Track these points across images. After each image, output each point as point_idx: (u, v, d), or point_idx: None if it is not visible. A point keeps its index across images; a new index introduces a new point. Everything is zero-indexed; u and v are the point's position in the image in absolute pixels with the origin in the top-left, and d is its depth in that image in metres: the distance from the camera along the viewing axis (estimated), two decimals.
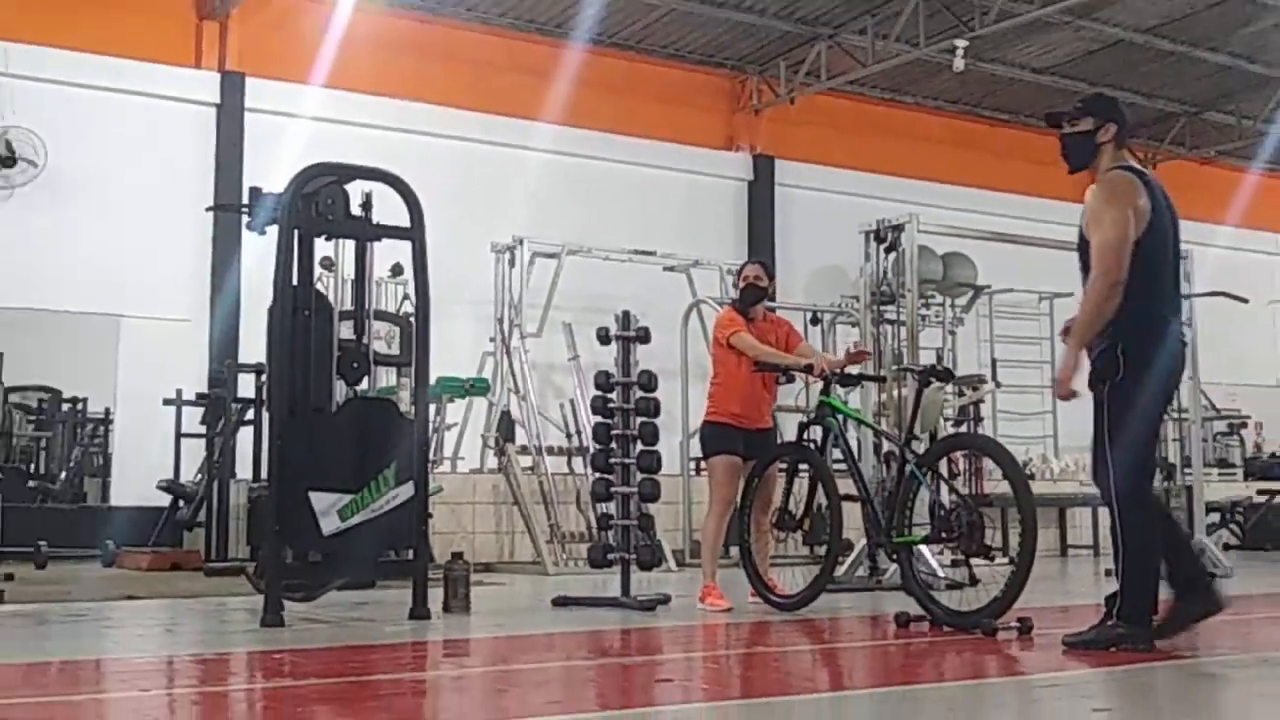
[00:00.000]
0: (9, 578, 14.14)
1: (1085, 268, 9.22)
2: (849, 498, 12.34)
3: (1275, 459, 29.78)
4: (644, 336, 13.30)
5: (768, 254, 26.18)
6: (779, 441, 13.43)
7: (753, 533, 12.49)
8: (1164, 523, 9.45)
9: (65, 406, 23.80)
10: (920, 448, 12.27)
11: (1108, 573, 17.66)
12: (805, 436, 12.69)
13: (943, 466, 12.63)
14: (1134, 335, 8.99)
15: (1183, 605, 9.18)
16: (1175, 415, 18.66)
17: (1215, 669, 8.81)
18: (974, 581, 10.96)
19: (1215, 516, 21.73)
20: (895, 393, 15.41)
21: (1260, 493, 24.63)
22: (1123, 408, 9.04)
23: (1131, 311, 8.95)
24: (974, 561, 10.74)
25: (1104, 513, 21.86)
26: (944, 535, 10.91)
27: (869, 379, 13.46)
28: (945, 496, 11.43)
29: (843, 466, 12.79)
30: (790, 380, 13.07)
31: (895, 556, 11.83)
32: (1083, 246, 9.29)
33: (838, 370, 12.62)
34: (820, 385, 12.75)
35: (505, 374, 21.05)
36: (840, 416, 12.63)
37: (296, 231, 11.44)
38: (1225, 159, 33.60)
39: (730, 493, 12.66)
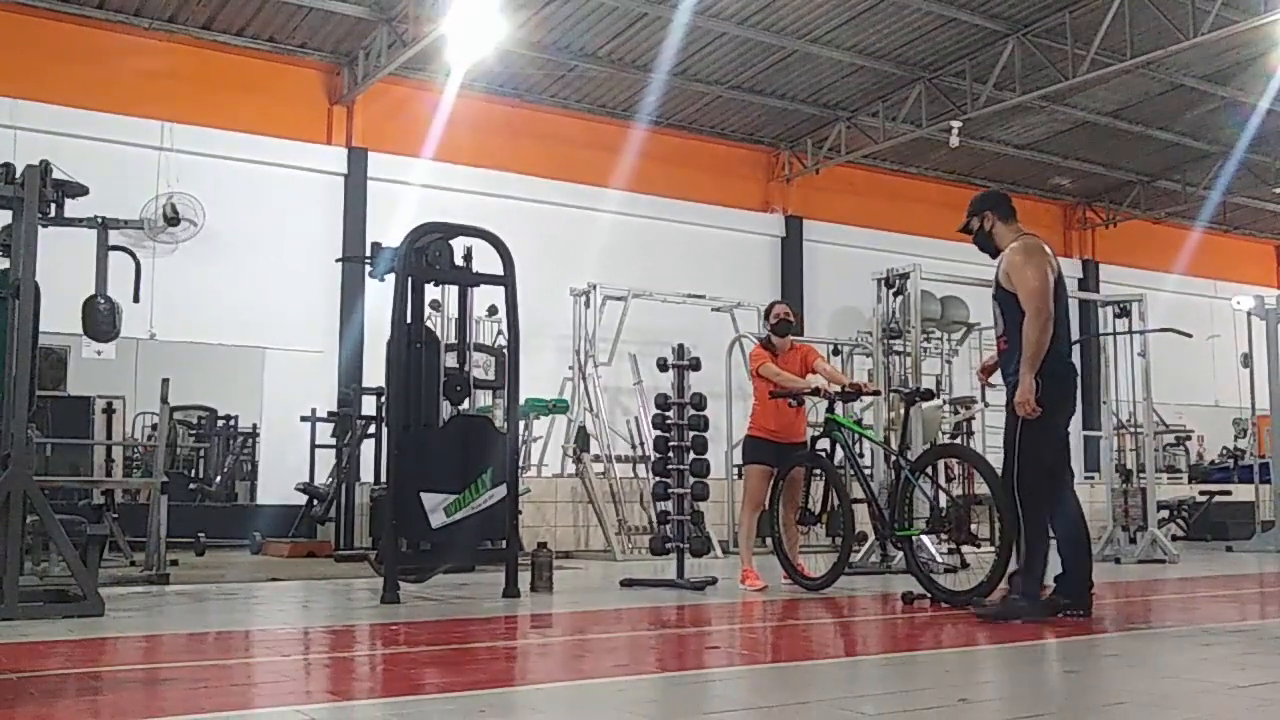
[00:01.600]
0: (174, 563, 14.17)
1: (1003, 311, 9.61)
2: (857, 500, 12.38)
3: (1214, 465, 29.65)
4: (695, 365, 13.36)
5: (796, 297, 26.29)
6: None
7: (782, 526, 12.47)
8: (1076, 525, 9.52)
9: (220, 422, 23.87)
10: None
11: None
12: (817, 447, 12.69)
13: (941, 470, 12.62)
14: (1045, 365, 9.25)
15: (1059, 597, 9.38)
16: (1133, 429, 18.61)
17: (1165, 637, 8.78)
18: (965, 566, 10.92)
19: (1165, 513, 21.62)
20: (900, 410, 15.39)
21: (1202, 493, 24.50)
22: (1033, 424, 9.25)
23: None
24: (965, 549, 10.70)
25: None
26: (938, 528, 10.90)
27: (866, 393, 13.42)
28: (941, 497, 11.43)
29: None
30: (802, 403, 12.96)
31: (899, 546, 11.84)
32: (999, 295, 9.64)
33: (839, 389, 12.63)
34: (827, 404, 12.76)
35: (581, 396, 21.06)
36: (845, 430, 12.63)
37: (410, 279, 11.50)
38: (1173, 219, 33.54)
39: (760, 495, 12.63)
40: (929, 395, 13.79)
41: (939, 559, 13.75)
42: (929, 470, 11.79)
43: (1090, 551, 9.69)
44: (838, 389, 12.59)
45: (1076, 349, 29.02)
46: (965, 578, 10.38)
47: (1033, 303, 9.29)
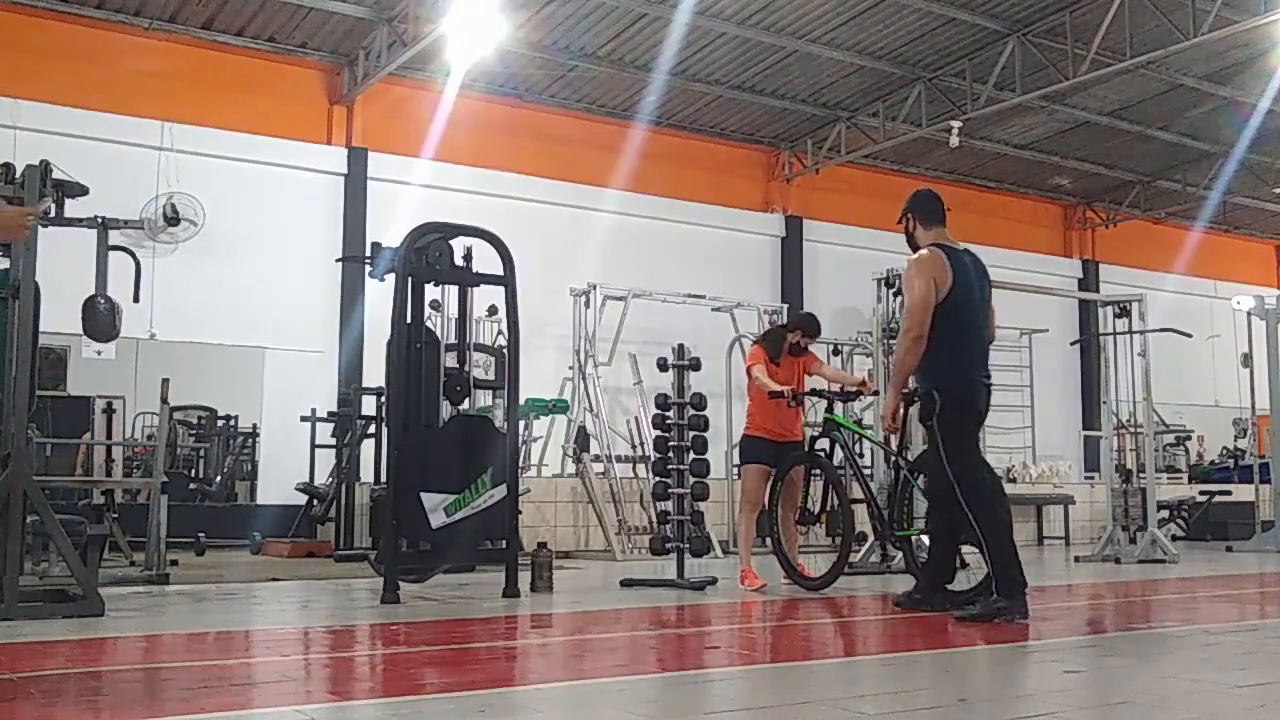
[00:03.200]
0: (174, 563, 14.18)
1: None
2: (856, 500, 12.40)
3: (1214, 465, 29.65)
4: (695, 365, 13.34)
5: (796, 297, 26.31)
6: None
7: (781, 526, 12.47)
8: (947, 523, 9.71)
9: (220, 422, 23.86)
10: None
11: (1077, 559, 17.66)
12: (816, 447, 12.71)
13: None
14: (943, 380, 9.49)
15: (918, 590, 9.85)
16: (1133, 429, 18.61)
17: (1165, 637, 8.78)
18: (964, 566, 10.92)
19: (1165, 513, 21.61)
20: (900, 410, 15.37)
21: (1202, 493, 24.50)
22: (948, 433, 9.45)
23: (939, 362, 9.51)
24: (965, 550, 10.67)
25: (1074, 510, 21.79)
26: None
27: (865, 393, 13.46)
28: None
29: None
30: (801, 402, 12.96)
31: (899, 546, 11.84)
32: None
33: (836, 390, 12.71)
34: (826, 403, 12.81)
35: (581, 396, 21.07)
36: (844, 430, 12.66)
37: (410, 279, 11.50)
38: (1173, 219, 33.54)
39: (758, 495, 12.64)
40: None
41: None
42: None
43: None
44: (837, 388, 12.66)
45: (1077, 349, 29.14)
46: (965, 578, 10.36)
47: (906, 319, 9.59)
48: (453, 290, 13.24)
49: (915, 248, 9.89)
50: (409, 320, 11.50)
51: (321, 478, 20.50)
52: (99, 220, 11.98)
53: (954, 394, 9.48)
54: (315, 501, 19.75)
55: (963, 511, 9.33)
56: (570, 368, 21.60)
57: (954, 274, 9.50)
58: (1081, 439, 29.86)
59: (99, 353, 17.85)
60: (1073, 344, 28.58)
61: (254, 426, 23.15)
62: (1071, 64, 22.19)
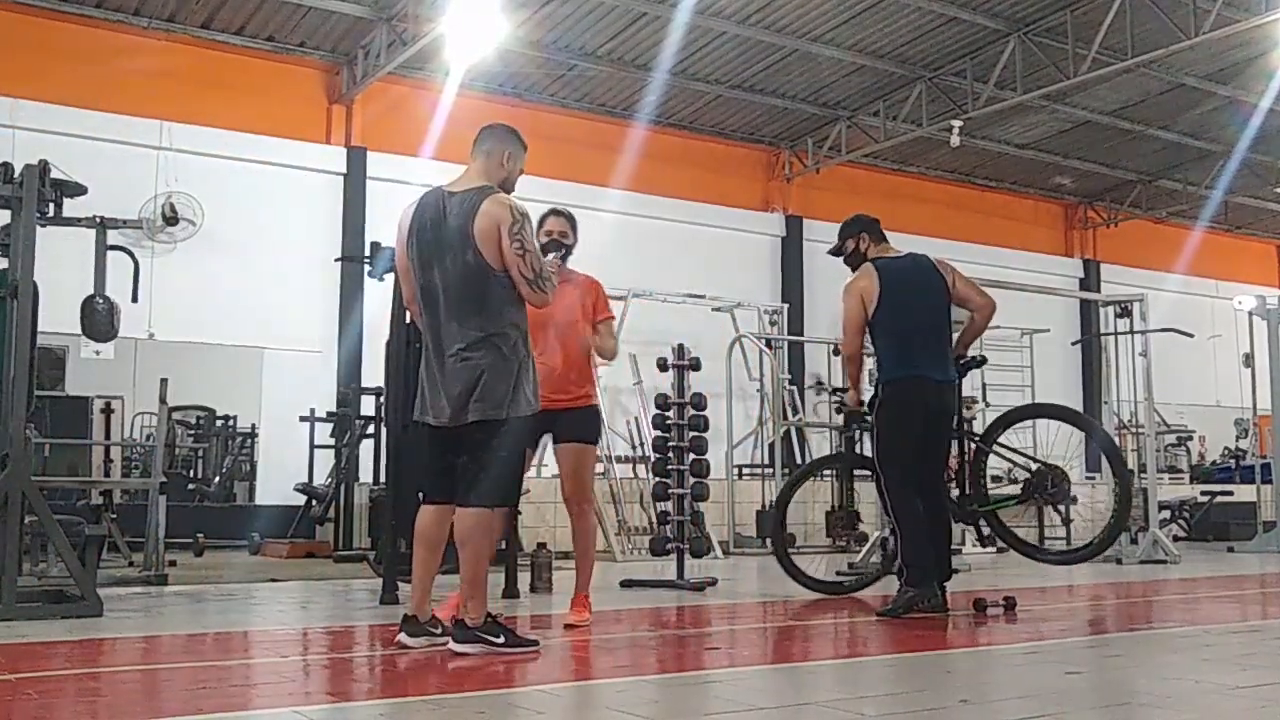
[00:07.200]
0: (172, 564, 14.19)
1: None
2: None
3: (1215, 466, 29.66)
4: (695, 365, 13.37)
5: (796, 296, 26.34)
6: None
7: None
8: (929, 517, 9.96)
9: (219, 423, 23.84)
10: None
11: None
12: (853, 442, 12.79)
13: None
14: (887, 382, 10.07)
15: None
16: (1134, 429, 18.62)
17: (1166, 637, 8.79)
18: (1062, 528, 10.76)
19: (1166, 513, 21.63)
20: None
21: (1203, 494, 24.53)
22: (884, 430, 10.04)
23: (885, 362, 10.19)
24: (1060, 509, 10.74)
25: (1074, 510, 21.88)
26: (1038, 494, 11.07)
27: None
28: (1023, 461, 11.37)
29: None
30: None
31: (987, 522, 11.25)
32: None
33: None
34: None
35: None
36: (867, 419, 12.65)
37: None
38: (1175, 219, 33.51)
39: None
40: None
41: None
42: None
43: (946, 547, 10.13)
44: None
45: (1077, 349, 29.12)
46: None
47: (842, 335, 10.41)
48: None
49: (858, 265, 10.55)
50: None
51: (320, 478, 20.48)
52: (98, 220, 11.97)
53: (894, 390, 10.00)
54: (314, 502, 19.74)
55: (883, 499, 10.05)
56: None
57: (881, 284, 10.12)
58: (1083, 439, 29.83)
59: (98, 353, 17.81)
60: (1074, 344, 28.57)
61: (253, 427, 23.14)
62: (1072, 63, 22.19)
